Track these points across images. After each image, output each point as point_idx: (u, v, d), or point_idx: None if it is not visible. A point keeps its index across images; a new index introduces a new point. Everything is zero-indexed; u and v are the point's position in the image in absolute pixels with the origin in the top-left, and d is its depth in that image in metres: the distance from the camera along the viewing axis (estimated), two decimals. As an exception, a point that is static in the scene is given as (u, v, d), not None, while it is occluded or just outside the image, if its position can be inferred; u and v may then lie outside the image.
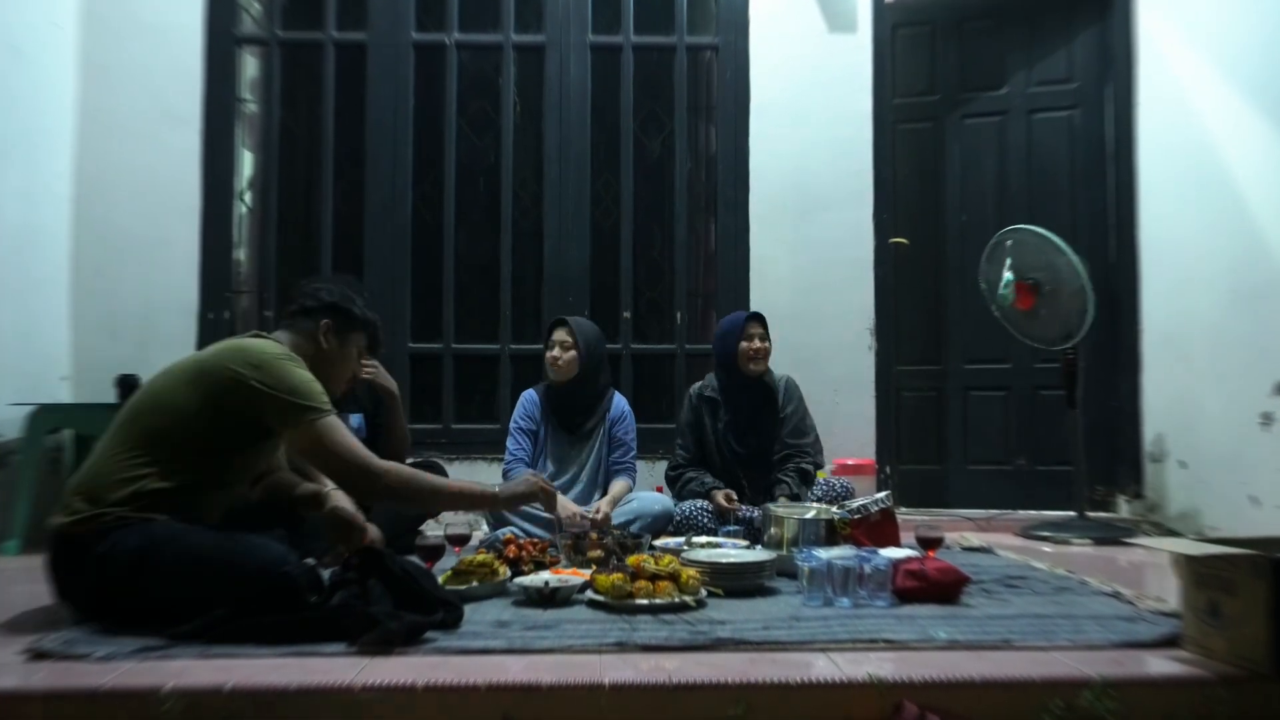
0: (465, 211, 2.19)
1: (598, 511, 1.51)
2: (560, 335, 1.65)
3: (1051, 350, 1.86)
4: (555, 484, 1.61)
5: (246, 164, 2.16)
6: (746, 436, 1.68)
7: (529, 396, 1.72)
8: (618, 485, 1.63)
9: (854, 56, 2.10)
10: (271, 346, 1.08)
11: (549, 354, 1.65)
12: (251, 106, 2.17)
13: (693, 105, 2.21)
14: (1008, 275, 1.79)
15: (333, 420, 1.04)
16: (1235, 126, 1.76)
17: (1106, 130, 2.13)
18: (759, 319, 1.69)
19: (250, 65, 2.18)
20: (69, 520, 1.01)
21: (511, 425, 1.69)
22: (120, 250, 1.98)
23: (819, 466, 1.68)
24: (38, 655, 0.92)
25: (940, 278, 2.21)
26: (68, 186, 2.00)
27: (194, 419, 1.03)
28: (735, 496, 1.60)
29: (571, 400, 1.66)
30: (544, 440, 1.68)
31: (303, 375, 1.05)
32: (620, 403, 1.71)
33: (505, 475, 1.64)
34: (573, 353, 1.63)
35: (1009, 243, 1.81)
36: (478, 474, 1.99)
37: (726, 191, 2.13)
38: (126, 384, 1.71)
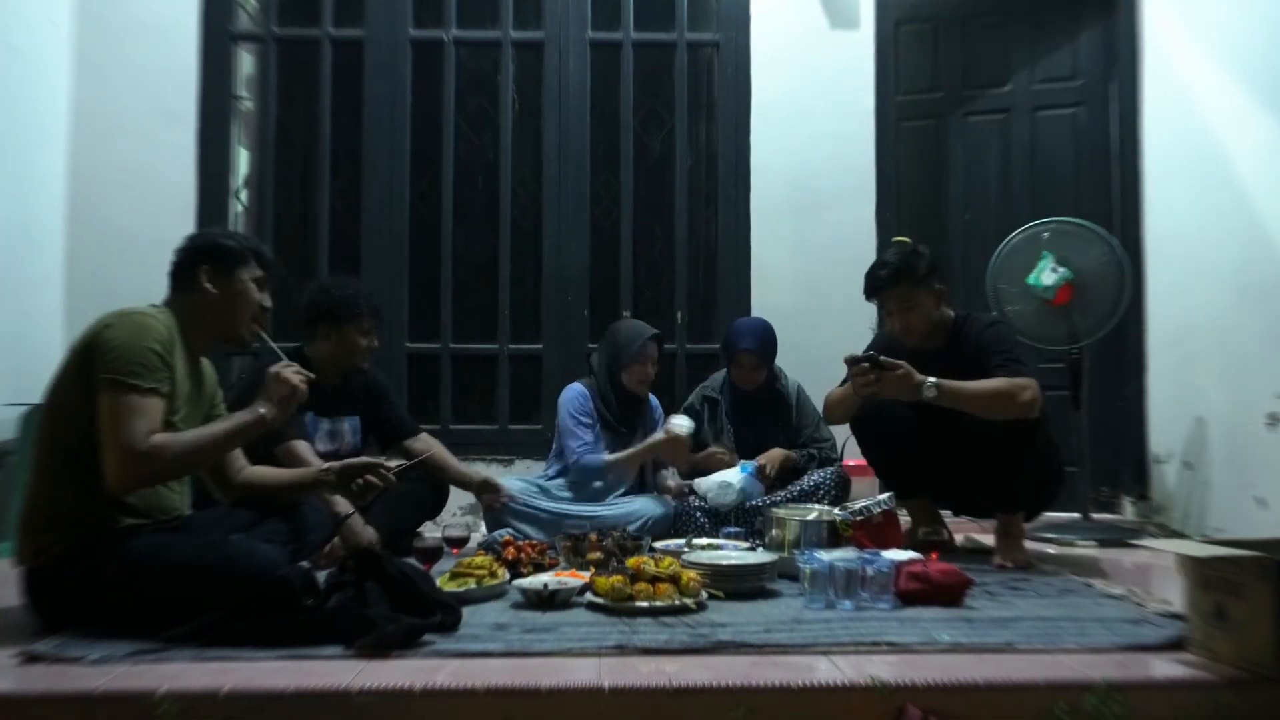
0: (463, 210, 2.17)
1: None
2: (654, 353, 1.65)
3: (1056, 350, 1.85)
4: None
5: (242, 162, 2.15)
6: (743, 432, 1.67)
7: (581, 394, 1.67)
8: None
9: (856, 53, 2.08)
10: (134, 312, 1.02)
11: (644, 370, 1.64)
12: (247, 104, 2.15)
13: (693, 102, 2.19)
14: (1061, 270, 1.71)
15: (134, 400, 0.95)
16: (1242, 124, 1.74)
17: (1111, 128, 2.11)
18: (751, 352, 1.62)
19: (246, 62, 2.16)
20: (34, 554, 0.99)
21: (570, 420, 1.63)
22: (115, 249, 1.97)
23: (827, 461, 1.67)
24: (31, 658, 0.91)
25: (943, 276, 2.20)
26: (62, 184, 1.98)
27: (87, 407, 0.98)
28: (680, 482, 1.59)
29: (632, 405, 1.66)
30: (597, 438, 1.66)
31: (137, 346, 0.97)
32: (655, 402, 1.74)
33: (574, 466, 1.61)
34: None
35: (1045, 235, 1.74)
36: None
37: (727, 189, 2.11)
38: None
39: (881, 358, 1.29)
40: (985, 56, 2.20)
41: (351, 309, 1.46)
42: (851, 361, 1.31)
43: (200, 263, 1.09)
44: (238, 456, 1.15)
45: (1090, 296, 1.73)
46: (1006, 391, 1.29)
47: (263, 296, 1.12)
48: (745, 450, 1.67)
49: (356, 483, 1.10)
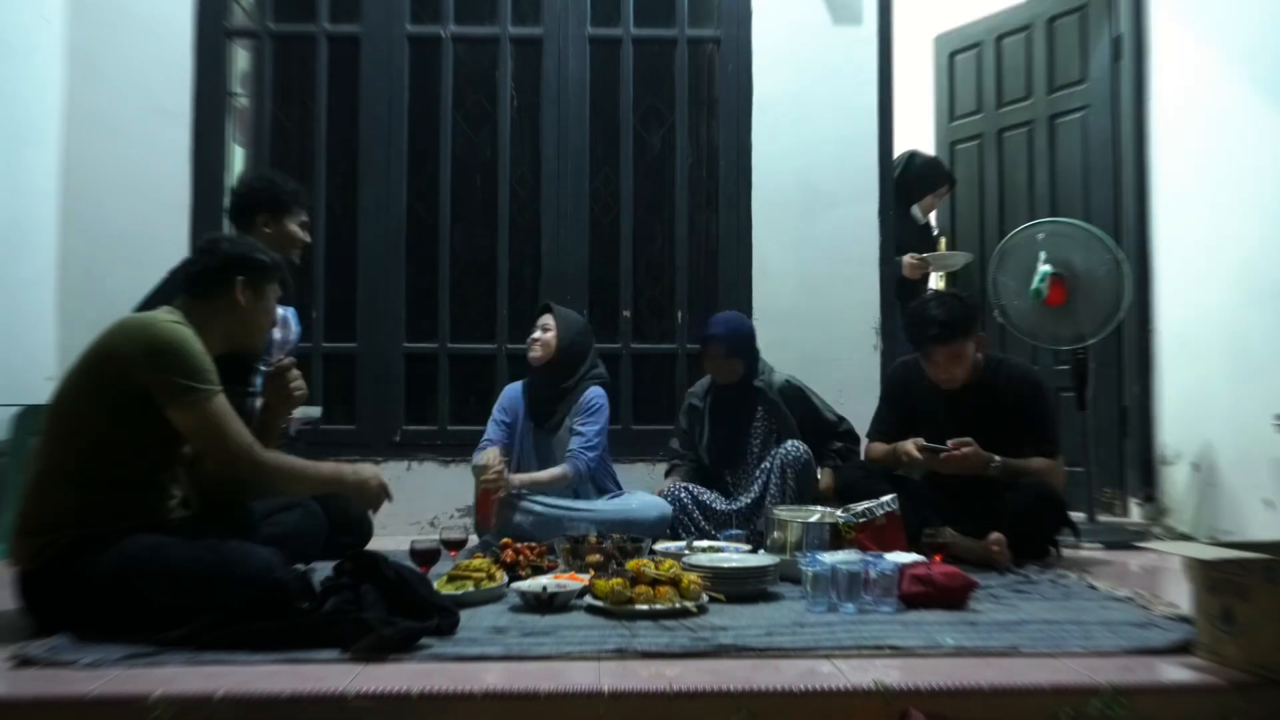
0: (461, 208, 2.15)
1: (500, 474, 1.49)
2: (545, 320, 1.68)
3: (1061, 351, 1.83)
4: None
5: (237, 159, 2.12)
6: (717, 434, 1.67)
7: (511, 388, 1.75)
8: (553, 470, 1.60)
9: (859, 49, 2.06)
10: (164, 319, 1.03)
11: (530, 337, 1.68)
12: (242, 100, 2.13)
13: (694, 99, 2.18)
14: (1045, 269, 1.73)
15: (220, 401, 1.01)
16: (1250, 124, 1.73)
17: (1119, 129, 2.10)
18: (719, 339, 1.64)
19: (241, 58, 2.14)
20: (29, 556, 0.99)
21: (493, 412, 1.72)
22: (109, 247, 1.95)
23: (853, 452, 1.66)
24: (23, 662, 0.90)
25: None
26: (55, 182, 1.96)
27: (96, 415, 0.99)
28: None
29: (543, 391, 1.67)
30: (522, 434, 1.69)
31: (192, 351, 1.01)
32: (591, 396, 1.65)
33: (474, 455, 1.63)
34: (551, 334, 1.65)
35: (1040, 236, 1.75)
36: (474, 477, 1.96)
37: (728, 187, 2.10)
38: None
39: (945, 450, 1.41)
40: (1006, 70, 2.22)
41: (293, 200, 1.45)
42: (923, 451, 1.43)
43: (237, 274, 1.09)
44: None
45: (1086, 299, 1.73)
46: (1053, 475, 1.47)
47: (274, 309, 1.16)
48: (718, 451, 1.66)
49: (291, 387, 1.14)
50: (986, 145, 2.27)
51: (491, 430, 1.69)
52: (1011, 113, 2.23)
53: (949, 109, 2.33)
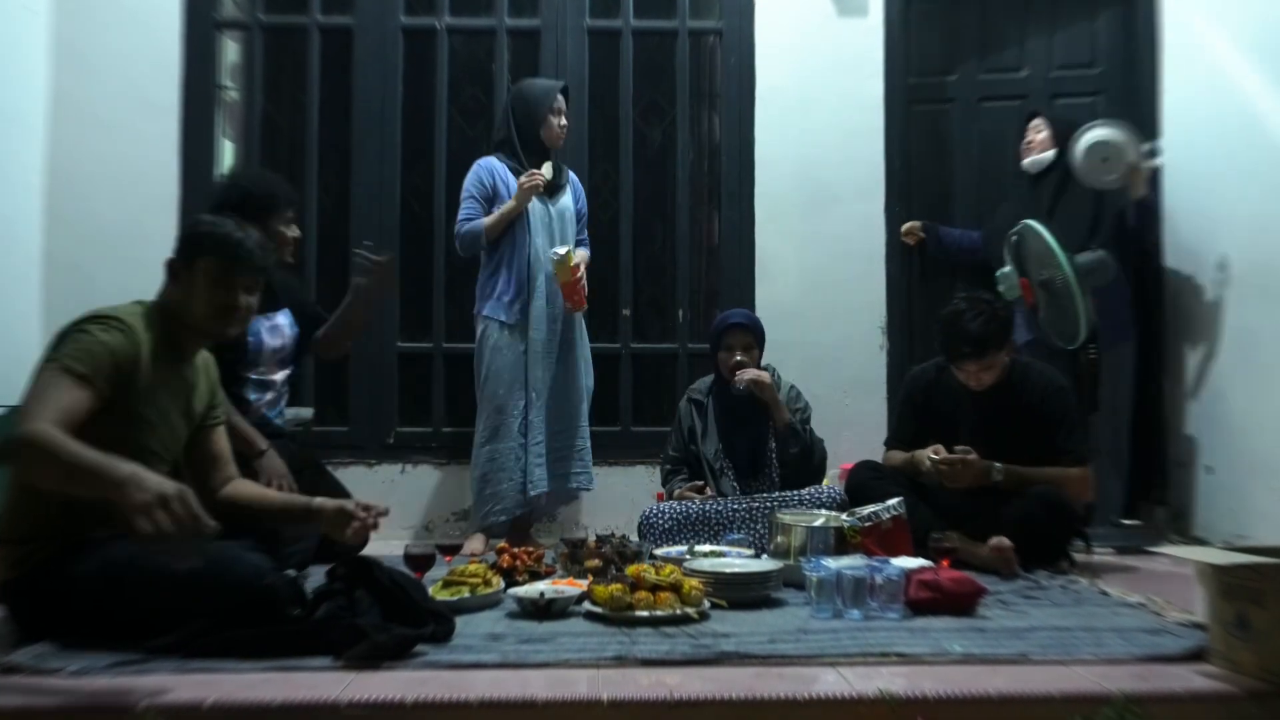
0: (457, 205, 2.11)
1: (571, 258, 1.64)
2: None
3: (1069, 349, 1.81)
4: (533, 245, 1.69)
5: (227, 154, 2.09)
6: (733, 441, 1.62)
7: (485, 166, 1.75)
8: (582, 253, 1.79)
9: (865, 41, 2.03)
10: (106, 316, 0.98)
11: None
12: (232, 94, 2.09)
13: (695, 93, 2.15)
14: (1008, 269, 1.74)
15: (54, 375, 0.91)
16: (1266, 113, 1.69)
17: (1131, 119, 2.02)
18: (744, 328, 1.61)
19: (231, 51, 2.10)
20: (12, 563, 0.96)
21: (463, 194, 1.74)
22: (95, 244, 1.92)
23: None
24: (7, 670, 0.89)
25: (955, 271, 2.15)
26: (40, 178, 1.93)
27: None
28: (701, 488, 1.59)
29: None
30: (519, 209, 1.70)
31: (90, 340, 0.94)
32: (573, 175, 1.83)
33: (460, 235, 1.72)
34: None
35: (1014, 238, 1.75)
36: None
37: (731, 183, 2.07)
38: None
39: (944, 458, 1.38)
40: (1001, 40, 2.15)
41: (274, 203, 1.37)
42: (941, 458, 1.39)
43: (174, 255, 1.03)
44: (226, 465, 1.11)
45: (1053, 306, 1.70)
46: (1069, 484, 1.40)
47: (235, 294, 1.02)
48: (735, 457, 1.61)
49: (352, 525, 1.03)
50: (964, 111, 2.12)
51: (471, 208, 1.72)
52: (997, 82, 2.12)
53: (903, 63, 2.06)
